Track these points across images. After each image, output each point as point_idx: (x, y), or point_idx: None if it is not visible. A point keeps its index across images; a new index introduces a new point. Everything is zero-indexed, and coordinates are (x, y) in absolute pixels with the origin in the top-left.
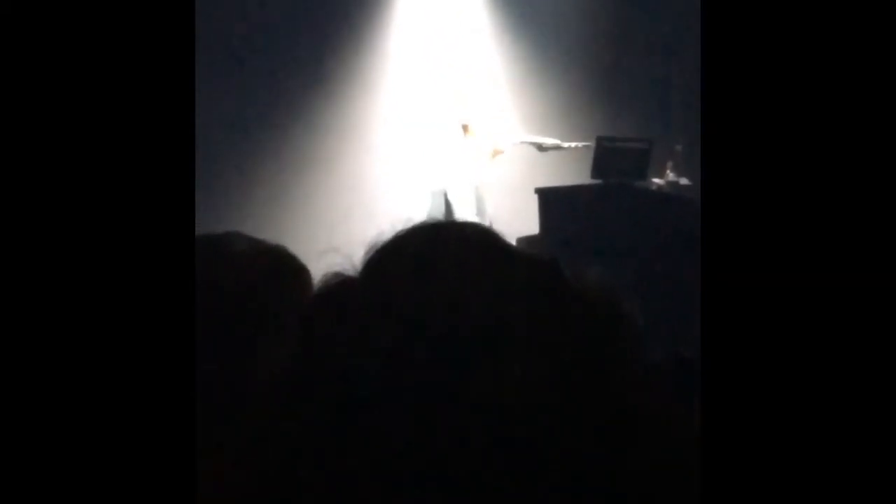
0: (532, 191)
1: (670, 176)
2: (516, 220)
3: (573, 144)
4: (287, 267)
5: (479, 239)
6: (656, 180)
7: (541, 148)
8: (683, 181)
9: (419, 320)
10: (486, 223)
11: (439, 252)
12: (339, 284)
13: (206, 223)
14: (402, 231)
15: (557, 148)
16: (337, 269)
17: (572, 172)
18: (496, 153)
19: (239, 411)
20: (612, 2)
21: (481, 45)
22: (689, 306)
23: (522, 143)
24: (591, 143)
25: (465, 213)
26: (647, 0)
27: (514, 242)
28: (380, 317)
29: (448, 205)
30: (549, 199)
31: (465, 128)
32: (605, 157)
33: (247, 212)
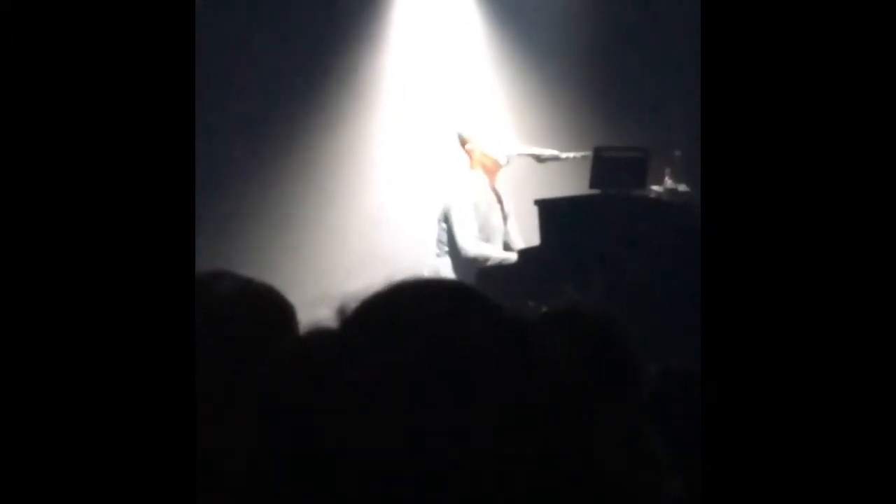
0: (531, 202)
1: (669, 183)
2: (517, 232)
3: (571, 155)
4: (271, 306)
5: (457, 298)
6: (655, 188)
7: (539, 159)
8: (682, 188)
9: (391, 381)
10: (500, 237)
11: (417, 312)
12: (318, 339)
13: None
14: (386, 289)
15: (555, 159)
16: (320, 322)
17: (571, 183)
18: (494, 168)
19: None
20: (610, 11)
21: (478, 56)
22: (692, 313)
23: (520, 154)
24: (589, 154)
25: (466, 231)
26: (646, 8)
27: (514, 257)
28: (353, 374)
29: (450, 228)
30: (549, 211)
31: (462, 141)
32: (604, 167)
33: (243, 245)
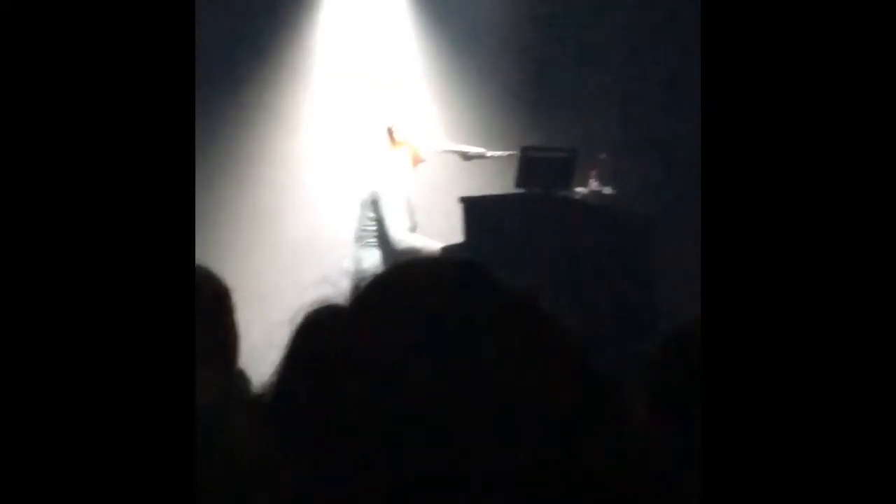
0: (456, 199)
1: (593, 185)
2: (440, 230)
3: (497, 153)
4: (207, 287)
5: (463, 272)
6: (580, 189)
7: (465, 156)
8: (606, 190)
9: (405, 353)
10: (415, 232)
11: (430, 285)
12: (330, 314)
13: None
14: (399, 264)
15: (481, 157)
16: (329, 300)
17: (496, 181)
18: (417, 161)
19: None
20: (539, 10)
21: (405, 50)
22: (615, 314)
23: (446, 151)
24: (516, 153)
25: (398, 222)
26: (576, 8)
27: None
28: (367, 347)
29: (381, 215)
30: (474, 208)
31: (390, 133)
32: (530, 167)
33: None
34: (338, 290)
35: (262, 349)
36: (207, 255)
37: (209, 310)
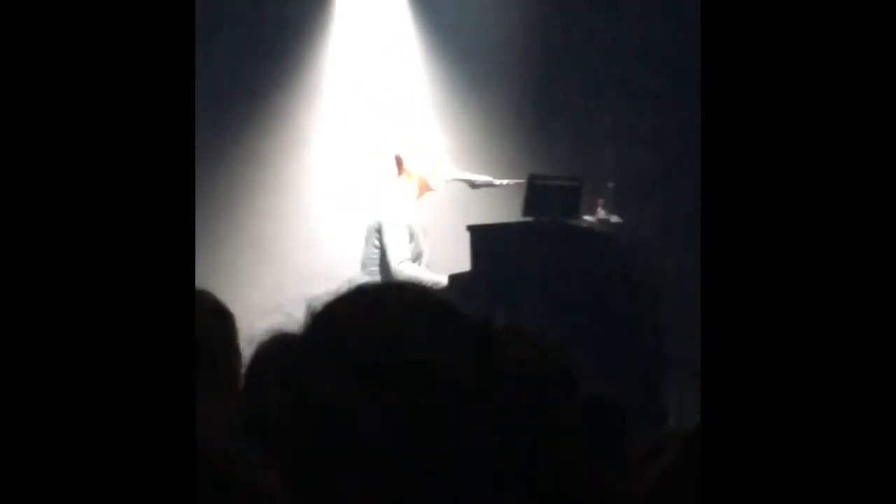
0: (464, 228)
1: (601, 213)
2: (448, 258)
3: (505, 182)
4: (213, 312)
5: (416, 301)
6: (587, 218)
7: (473, 185)
8: (614, 219)
9: (357, 379)
10: (423, 261)
11: (378, 315)
12: (282, 343)
13: None
14: (344, 293)
15: (489, 185)
16: (279, 327)
17: (504, 210)
18: (425, 190)
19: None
20: (550, 40)
21: (414, 77)
22: (624, 342)
23: (454, 180)
24: (523, 181)
25: (398, 252)
26: (588, 39)
27: (445, 280)
28: (321, 374)
29: (383, 244)
30: (481, 237)
31: (398, 161)
32: (537, 195)
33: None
34: (289, 318)
35: None
36: (208, 280)
37: (215, 336)
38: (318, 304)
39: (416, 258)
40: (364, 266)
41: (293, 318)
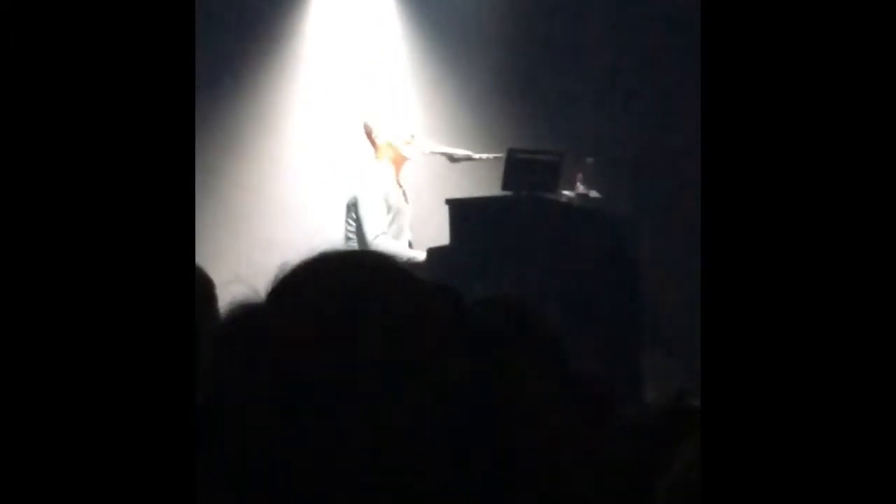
0: (443, 201)
1: (580, 188)
2: (427, 231)
3: (484, 156)
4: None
5: (377, 267)
6: (566, 192)
7: (452, 159)
8: (593, 194)
9: (321, 350)
10: (404, 237)
11: (343, 281)
12: (246, 313)
13: None
14: (307, 260)
15: (468, 159)
16: (242, 298)
17: (483, 183)
18: (401, 161)
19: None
20: (527, 12)
21: (394, 50)
22: (601, 316)
23: (433, 153)
24: (503, 155)
25: (373, 225)
26: (566, 9)
27: (423, 255)
28: (285, 345)
29: (359, 218)
30: (460, 211)
31: (367, 130)
32: (517, 169)
33: None
34: (250, 289)
35: None
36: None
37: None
38: (281, 272)
39: (396, 235)
40: (346, 241)
41: (254, 289)
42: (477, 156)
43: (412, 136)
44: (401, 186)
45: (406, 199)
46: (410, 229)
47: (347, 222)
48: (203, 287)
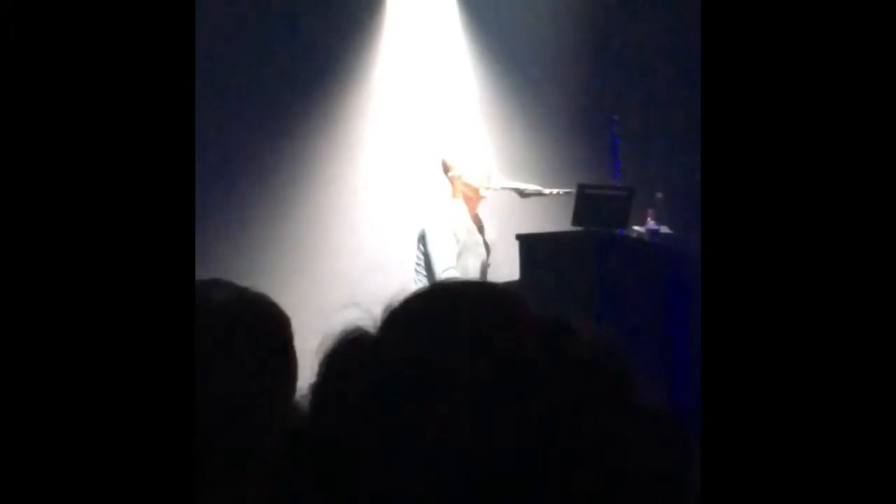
0: (513, 237)
1: (651, 224)
2: (498, 266)
3: (555, 191)
4: (268, 315)
5: (496, 301)
6: (637, 228)
7: (522, 194)
8: (664, 229)
9: (433, 378)
10: (477, 268)
11: (457, 312)
12: (359, 338)
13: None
14: (424, 289)
15: (539, 194)
16: (357, 323)
17: (553, 219)
18: (477, 199)
19: (242, 465)
20: (600, 46)
21: (466, 86)
22: (678, 355)
23: (504, 188)
24: (573, 191)
25: (443, 258)
26: (646, 57)
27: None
28: (396, 371)
29: (427, 251)
30: (530, 246)
31: (445, 168)
32: (586, 205)
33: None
34: (367, 314)
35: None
36: (256, 282)
37: (272, 339)
38: (396, 301)
39: (464, 271)
40: (415, 272)
41: (371, 314)
42: (547, 191)
43: (489, 178)
44: (478, 221)
45: (483, 234)
46: (486, 268)
47: (417, 254)
48: (278, 322)
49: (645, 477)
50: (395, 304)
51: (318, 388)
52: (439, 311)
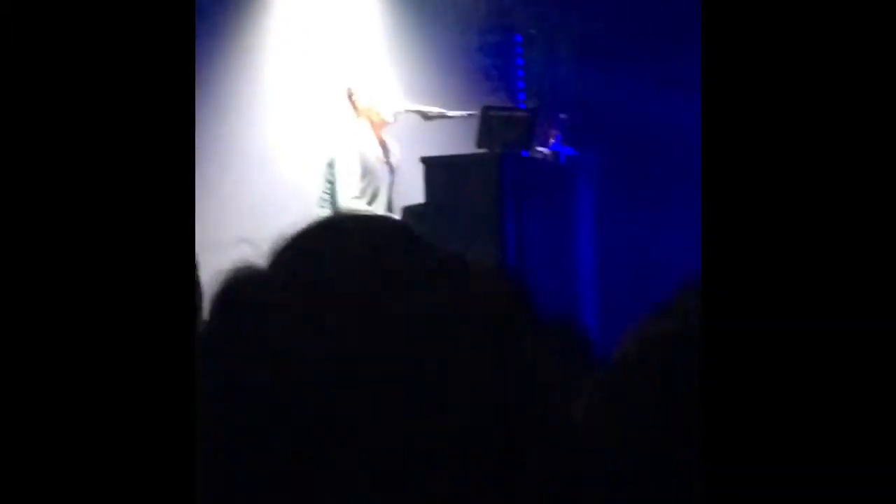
0: (417, 160)
1: (554, 144)
2: (403, 189)
3: (458, 113)
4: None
5: (388, 233)
6: (541, 149)
7: (426, 117)
8: (568, 150)
9: (324, 312)
10: (380, 198)
11: (348, 245)
12: (249, 274)
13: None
14: (314, 223)
15: (443, 116)
16: (246, 259)
17: (457, 141)
18: (382, 125)
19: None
20: None
21: (367, 9)
22: (581, 272)
23: (407, 111)
24: (477, 113)
25: (347, 188)
26: None
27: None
28: (286, 306)
29: (334, 180)
30: (435, 169)
31: (350, 95)
32: (490, 126)
33: None
34: (257, 250)
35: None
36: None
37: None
38: (287, 236)
39: (372, 197)
40: (320, 202)
41: (261, 249)
42: (451, 113)
43: (393, 101)
44: (384, 145)
45: (388, 157)
46: (392, 190)
47: (324, 183)
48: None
49: (545, 387)
50: (286, 238)
51: (208, 328)
52: (329, 245)
